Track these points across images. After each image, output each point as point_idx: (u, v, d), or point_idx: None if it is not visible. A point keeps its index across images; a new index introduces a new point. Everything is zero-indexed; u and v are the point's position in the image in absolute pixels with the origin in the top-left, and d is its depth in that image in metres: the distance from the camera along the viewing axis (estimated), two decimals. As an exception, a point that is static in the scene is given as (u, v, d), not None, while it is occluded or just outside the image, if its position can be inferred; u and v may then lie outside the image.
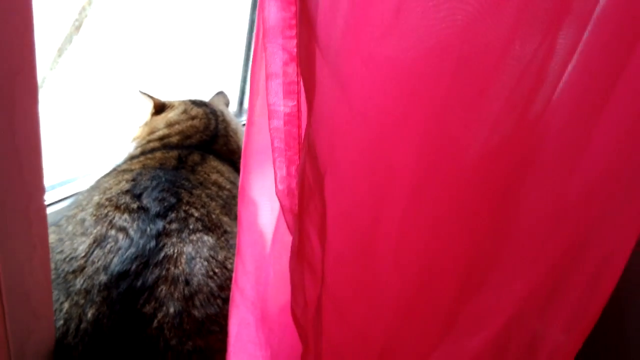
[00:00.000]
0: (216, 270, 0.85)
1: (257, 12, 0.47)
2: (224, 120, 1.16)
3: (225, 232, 0.91)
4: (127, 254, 0.80)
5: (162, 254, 0.81)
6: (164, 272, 0.80)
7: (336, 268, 0.46)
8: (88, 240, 0.82)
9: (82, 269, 0.80)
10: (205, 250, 0.85)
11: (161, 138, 1.09)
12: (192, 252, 0.83)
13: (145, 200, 0.87)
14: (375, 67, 0.40)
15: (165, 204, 0.87)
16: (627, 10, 0.43)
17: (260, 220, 0.73)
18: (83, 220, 0.86)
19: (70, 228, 0.86)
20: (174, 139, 1.08)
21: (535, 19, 0.42)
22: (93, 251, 0.81)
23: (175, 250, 0.82)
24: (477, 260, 0.44)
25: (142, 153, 1.05)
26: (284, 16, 0.47)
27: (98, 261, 0.80)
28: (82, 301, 0.78)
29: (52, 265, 0.81)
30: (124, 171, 0.97)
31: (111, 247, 0.81)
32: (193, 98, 1.20)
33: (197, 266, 0.83)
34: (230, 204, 0.97)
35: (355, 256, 0.46)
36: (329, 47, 0.39)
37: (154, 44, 1.37)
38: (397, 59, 0.41)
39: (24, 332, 0.73)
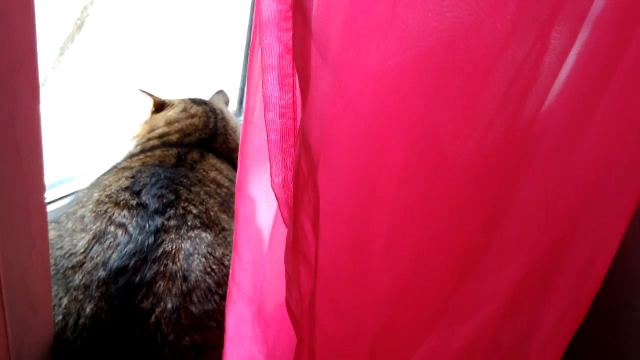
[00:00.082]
0: (214, 266, 0.85)
1: (254, 6, 0.48)
2: (223, 119, 1.17)
3: (224, 229, 0.92)
4: (125, 249, 0.81)
5: (161, 250, 0.82)
6: (162, 268, 0.81)
7: (329, 258, 0.46)
8: (87, 237, 0.83)
9: (81, 264, 0.81)
10: (203, 246, 0.86)
11: (161, 136, 1.10)
12: (190, 249, 0.84)
13: (145, 197, 0.88)
14: (369, 59, 0.40)
15: (164, 201, 0.88)
16: (620, 11, 0.44)
17: (257, 216, 0.74)
18: (83, 217, 0.87)
19: (70, 224, 0.87)
20: (174, 137, 1.09)
21: (528, 19, 0.42)
22: (92, 247, 0.82)
23: (174, 247, 0.83)
24: (466, 249, 0.45)
25: (142, 151, 1.06)
26: (280, 8, 0.48)
27: (97, 257, 0.81)
28: (80, 296, 0.79)
29: (52, 261, 0.82)
30: (124, 169, 0.98)
31: (110, 243, 0.82)
32: (193, 97, 1.21)
33: (195, 262, 0.83)
34: (228, 202, 0.98)
35: (347, 245, 0.46)
36: (324, 38, 0.40)
37: (155, 43, 1.38)
38: (391, 50, 0.41)
39: (22, 326, 0.74)
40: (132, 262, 0.80)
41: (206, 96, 1.27)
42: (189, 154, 1.03)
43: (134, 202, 0.87)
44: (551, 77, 0.46)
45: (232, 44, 1.40)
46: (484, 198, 0.45)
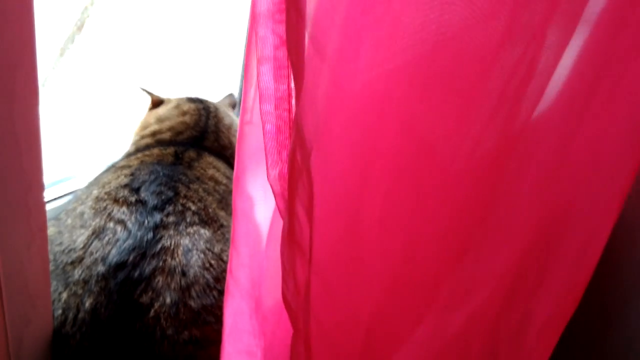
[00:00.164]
0: (212, 262, 0.86)
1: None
2: (216, 117, 1.16)
3: (222, 225, 0.93)
4: (124, 245, 0.82)
5: (159, 246, 0.83)
6: (161, 264, 0.81)
7: (323, 247, 0.47)
8: (87, 232, 0.84)
9: (80, 260, 0.82)
10: (201, 242, 0.86)
11: (153, 134, 1.10)
12: (188, 245, 0.85)
13: (144, 194, 0.89)
14: (362, 48, 0.41)
15: (163, 197, 0.88)
16: (613, 13, 0.44)
17: (255, 211, 0.74)
18: (82, 214, 0.88)
19: (69, 221, 0.88)
20: (166, 135, 1.09)
21: (522, 22, 0.43)
22: (91, 243, 0.83)
23: (172, 242, 0.84)
24: (459, 236, 0.45)
25: (137, 150, 1.07)
26: (275, 0, 0.49)
27: (96, 252, 0.82)
28: (80, 291, 0.80)
29: (51, 257, 0.82)
30: (122, 167, 0.98)
31: (109, 238, 0.83)
32: (191, 96, 1.21)
33: (194, 258, 0.84)
34: (226, 199, 0.98)
35: (341, 233, 0.47)
36: (317, 29, 0.41)
37: (156, 44, 1.38)
38: (385, 42, 0.42)
39: (22, 320, 0.75)
40: (131, 257, 0.81)
41: (213, 98, 1.27)
42: (186, 152, 1.04)
43: (133, 199, 0.88)
44: (547, 76, 0.47)
45: (234, 43, 1.41)
46: (477, 185, 0.45)
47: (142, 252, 0.81)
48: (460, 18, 0.42)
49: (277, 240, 0.65)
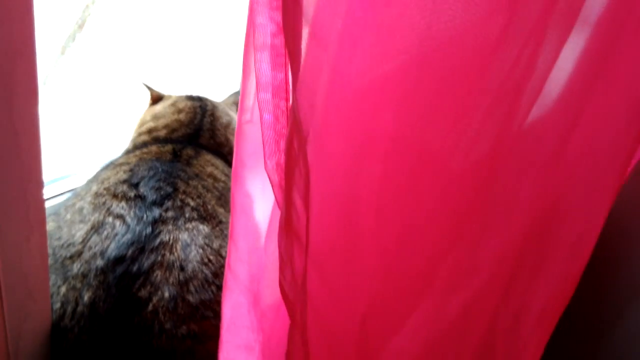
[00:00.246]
0: (211, 257, 0.86)
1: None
2: (212, 115, 1.16)
3: (221, 222, 0.93)
4: (123, 239, 0.82)
5: (158, 241, 0.83)
6: (159, 258, 0.81)
7: (320, 234, 0.47)
8: (85, 227, 0.84)
9: (79, 254, 0.82)
10: (200, 238, 0.87)
11: (150, 131, 1.10)
12: (187, 240, 0.85)
13: (142, 189, 0.89)
14: (360, 34, 0.42)
15: (162, 193, 0.89)
16: (608, 14, 0.45)
17: (253, 206, 0.75)
18: (81, 209, 0.88)
19: (68, 216, 0.88)
20: (162, 133, 1.09)
21: (520, 21, 0.43)
22: (90, 237, 0.83)
23: (171, 237, 0.84)
24: (454, 221, 0.45)
25: (135, 147, 1.07)
26: (272, -13, 0.49)
27: (95, 247, 0.82)
28: (79, 285, 0.80)
29: (50, 251, 0.83)
30: (121, 164, 0.99)
31: (108, 233, 0.83)
32: (193, 94, 1.21)
33: (192, 253, 0.84)
34: (225, 196, 0.99)
35: (336, 219, 0.47)
36: (317, 15, 0.41)
37: (159, 42, 1.39)
38: (382, 30, 0.43)
39: (20, 313, 0.75)
40: (130, 251, 0.81)
41: (218, 96, 1.26)
42: (184, 150, 1.04)
43: (132, 194, 0.88)
44: (544, 75, 0.47)
45: (238, 39, 1.42)
46: (473, 174, 0.46)
47: (141, 246, 0.82)
48: (459, 14, 0.42)
49: (275, 232, 0.65)
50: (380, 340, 0.51)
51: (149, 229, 0.83)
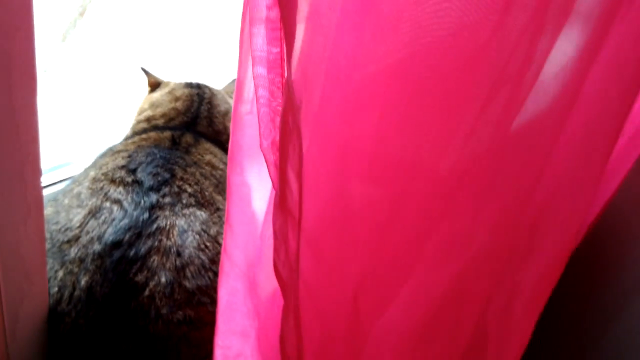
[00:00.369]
0: (208, 244, 0.86)
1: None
2: (210, 103, 1.15)
3: (218, 209, 0.93)
4: (120, 224, 0.82)
5: (155, 226, 0.83)
6: (156, 243, 0.82)
7: (312, 209, 0.47)
8: (83, 212, 0.84)
9: (76, 238, 0.82)
10: (197, 224, 0.87)
11: (148, 119, 1.10)
12: (184, 226, 0.85)
13: (140, 175, 0.89)
14: (357, 7, 0.41)
15: (159, 179, 0.89)
16: (603, 16, 0.44)
17: (249, 188, 0.74)
18: (79, 194, 0.88)
19: (66, 201, 0.88)
20: (160, 121, 1.09)
21: (518, 20, 0.43)
22: (88, 222, 0.83)
23: (168, 223, 0.84)
24: (445, 192, 0.45)
25: (134, 133, 1.07)
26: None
27: (92, 231, 0.82)
28: (76, 269, 0.80)
29: (48, 236, 0.83)
30: (120, 150, 0.99)
31: (105, 218, 0.83)
32: (192, 81, 1.21)
33: (189, 239, 0.84)
34: (223, 184, 0.99)
35: (328, 193, 0.47)
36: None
37: (160, 29, 1.38)
38: (386, 11, 0.42)
39: (17, 296, 0.75)
40: (127, 236, 0.81)
41: (219, 83, 1.26)
42: (183, 137, 1.04)
43: (129, 179, 0.88)
44: (537, 71, 0.47)
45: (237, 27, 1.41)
46: (465, 153, 0.45)
47: (138, 231, 0.82)
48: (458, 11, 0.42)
49: (270, 218, 0.65)
50: (372, 317, 0.51)
51: (146, 214, 0.83)
